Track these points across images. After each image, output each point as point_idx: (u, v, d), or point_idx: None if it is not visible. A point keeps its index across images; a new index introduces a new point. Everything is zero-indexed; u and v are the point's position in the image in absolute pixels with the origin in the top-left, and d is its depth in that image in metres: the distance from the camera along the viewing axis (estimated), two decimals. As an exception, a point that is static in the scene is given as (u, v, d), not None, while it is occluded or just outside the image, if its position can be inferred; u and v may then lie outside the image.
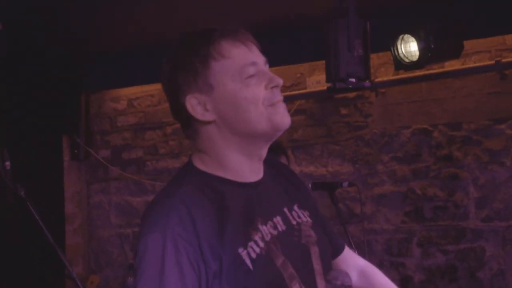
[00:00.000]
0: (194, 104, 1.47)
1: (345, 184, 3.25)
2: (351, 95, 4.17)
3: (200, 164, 1.52)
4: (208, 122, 1.45)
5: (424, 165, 4.01)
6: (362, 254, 2.80)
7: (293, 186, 1.68)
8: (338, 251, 1.80)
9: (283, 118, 1.44)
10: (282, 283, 1.42)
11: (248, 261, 1.38)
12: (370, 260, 3.58)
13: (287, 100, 4.03)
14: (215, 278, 1.36)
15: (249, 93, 1.49)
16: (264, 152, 1.53)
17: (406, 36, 3.56)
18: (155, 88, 4.96)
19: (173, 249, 1.39)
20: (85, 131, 5.25)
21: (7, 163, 2.89)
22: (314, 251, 1.56)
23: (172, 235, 1.42)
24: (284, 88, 4.23)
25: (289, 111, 3.57)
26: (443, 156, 3.95)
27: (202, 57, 1.42)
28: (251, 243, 1.41)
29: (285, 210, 1.53)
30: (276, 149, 3.03)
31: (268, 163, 1.70)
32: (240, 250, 1.37)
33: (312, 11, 3.79)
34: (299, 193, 1.64)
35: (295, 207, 1.58)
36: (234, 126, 1.49)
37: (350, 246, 3.12)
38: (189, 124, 1.49)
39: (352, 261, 1.91)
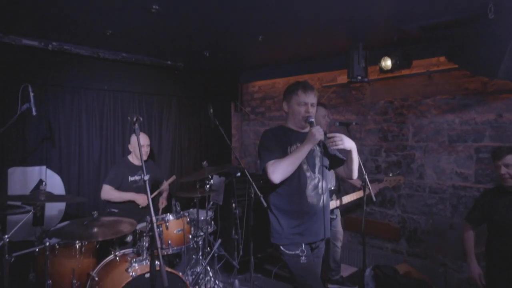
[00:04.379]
0: (284, 104, 2.20)
1: (354, 123, 3.36)
2: (358, 84, 4.29)
3: (284, 123, 2.22)
4: (285, 112, 2.20)
5: (389, 117, 4.11)
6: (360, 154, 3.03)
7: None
8: (342, 161, 2.20)
9: (305, 123, 2.08)
10: (300, 164, 2.02)
11: (289, 150, 2.06)
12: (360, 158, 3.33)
13: (328, 87, 4.70)
14: (280, 151, 2.02)
15: (297, 109, 2.12)
16: (302, 127, 2.12)
17: (385, 57, 3.69)
18: (271, 81, 5.28)
19: (270, 137, 2.10)
20: (240, 99, 5.61)
21: (211, 110, 3.24)
22: (317, 160, 2.15)
23: (269, 135, 2.11)
24: (327, 82, 4.69)
25: (327, 92, 4.59)
26: (398, 113, 4.03)
27: (292, 91, 2.17)
28: (293, 146, 2.08)
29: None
30: (323, 106, 3.50)
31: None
32: (288, 147, 2.08)
33: (340, 46, 3.80)
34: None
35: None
36: (290, 116, 2.18)
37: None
38: (284, 110, 2.23)
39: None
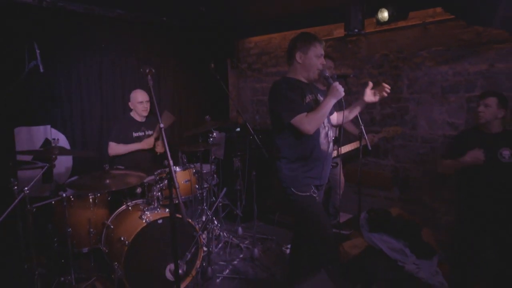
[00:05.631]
0: (299, 55, 2.15)
1: (351, 75, 3.42)
2: (354, 38, 4.25)
3: (288, 75, 2.22)
4: (298, 62, 2.17)
5: (384, 70, 4.11)
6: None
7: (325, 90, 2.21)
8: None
9: (318, 76, 2.14)
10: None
11: (305, 102, 2.14)
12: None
13: (328, 40, 4.47)
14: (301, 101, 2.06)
15: (314, 61, 2.12)
16: (310, 79, 2.15)
17: (383, 9, 3.61)
18: (267, 37, 5.21)
19: (289, 88, 2.10)
20: (236, 56, 5.54)
21: (212, 65, 3.38)
22: None
23: (286, 87, 2.11)
24: (323, 36, 4.46)
25: (326, 45, 3.47)
26: (393, 66, 4.02)
27: (310, 43, 2.13)
28: (306, 97, 2.16)
29: (318, 94, 2.24)
30: (331, 58, 3.53)
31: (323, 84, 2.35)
32: (303, 99, 2.14)
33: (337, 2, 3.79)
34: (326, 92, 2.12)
35: (319, 95, 2.23)
36: (304, 67, 2.16)
37: (349, 95, 3.27)
38: (291, 60, 2.20)
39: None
